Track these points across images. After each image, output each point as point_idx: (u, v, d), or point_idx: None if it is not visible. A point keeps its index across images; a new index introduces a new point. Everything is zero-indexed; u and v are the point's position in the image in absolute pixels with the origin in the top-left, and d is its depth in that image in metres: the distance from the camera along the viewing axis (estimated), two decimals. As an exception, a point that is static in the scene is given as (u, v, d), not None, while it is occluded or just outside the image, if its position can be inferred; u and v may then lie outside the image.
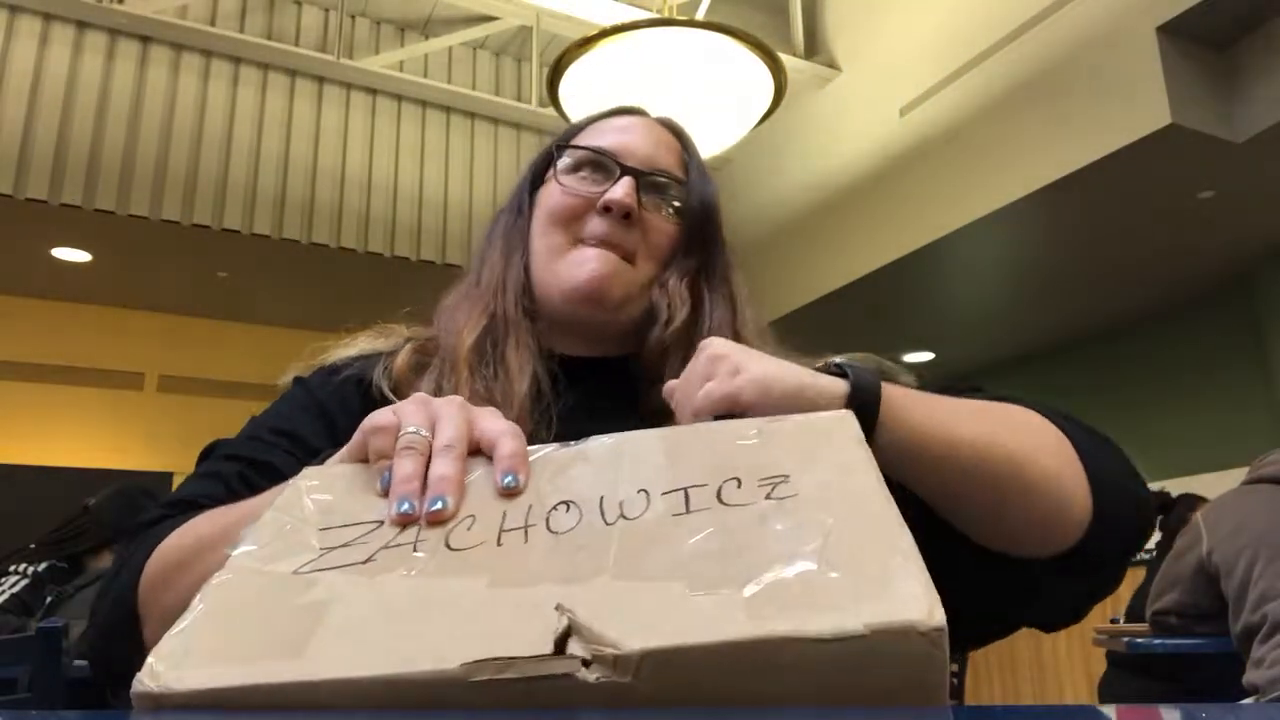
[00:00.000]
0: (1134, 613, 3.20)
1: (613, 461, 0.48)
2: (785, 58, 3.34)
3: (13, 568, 2.43)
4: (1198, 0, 3.21)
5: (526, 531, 0.43)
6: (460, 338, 0.77)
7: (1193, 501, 3.23)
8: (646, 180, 0.78)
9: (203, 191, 4.31)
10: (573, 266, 0.76)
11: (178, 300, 5.33)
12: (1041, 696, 5.37)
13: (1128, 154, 3.42)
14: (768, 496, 0.42)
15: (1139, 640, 2.27)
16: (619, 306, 0.77)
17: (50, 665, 1.48)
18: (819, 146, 4.85)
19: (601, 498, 0.44)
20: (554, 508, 0.44)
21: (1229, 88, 3.46)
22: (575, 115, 3.24)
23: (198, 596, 0.40)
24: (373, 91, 4.78)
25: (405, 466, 0.46)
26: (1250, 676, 1.84)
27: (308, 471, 0.51)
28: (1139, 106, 3.34)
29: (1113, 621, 3.36)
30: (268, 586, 0.41)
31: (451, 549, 0.42)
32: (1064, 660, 5.37)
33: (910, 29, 4.39)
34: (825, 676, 0.33)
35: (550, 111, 3.69)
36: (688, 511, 0.42)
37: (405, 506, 0.44)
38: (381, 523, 0.44)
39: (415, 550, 0.42)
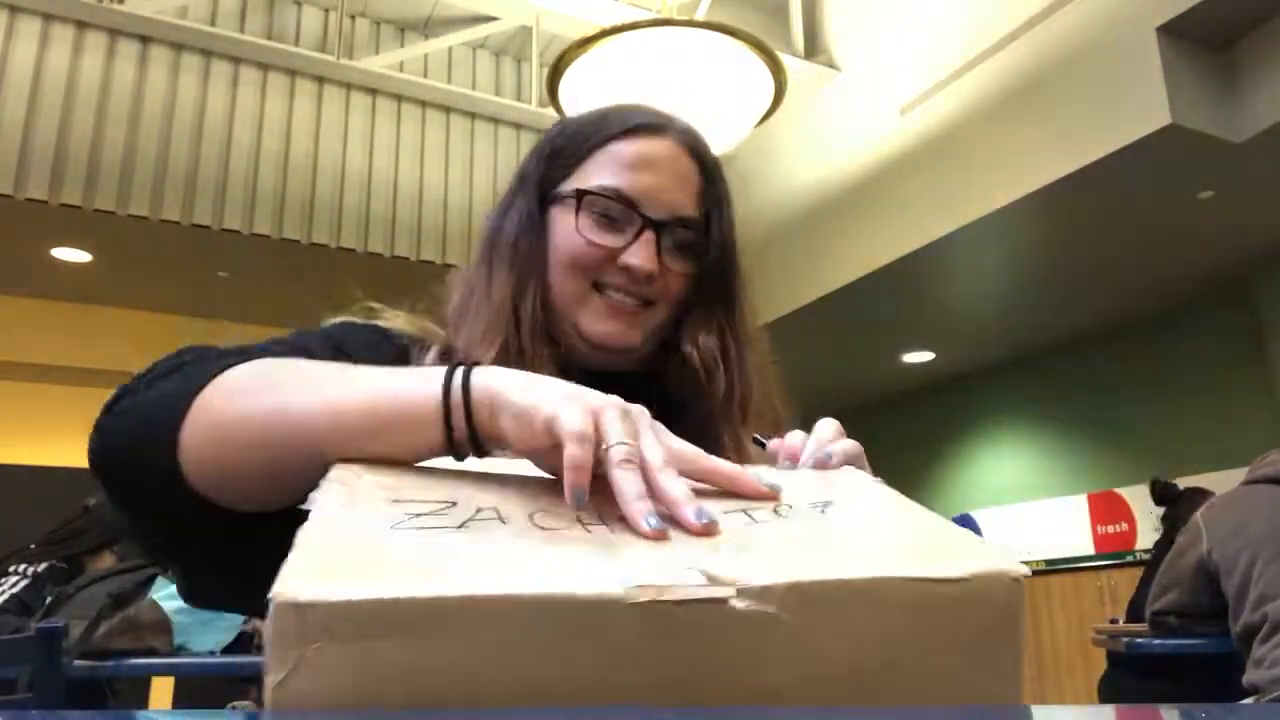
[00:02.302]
0: (1134, 613, 3.20)
1: None
2: (785, 58, 3.34)
3: (13, 568, 2.43)
4: (1198, 0, 3.21)
5: (609, 526, 0.43)
6: (475, 358, 0.74)
7: (1198, 497, 3.23)
8: (668, 234, 0.77)
9: (203, 191, 4.31)
10: (595, 319, 0.77)
11: (178, 300, 5.32)
12: (1041, 697, 5.37)
13: (1128, 154, 3.42)
14: (822, 513, 0.47)
15: (1139, 640, 2.27)
16: (640, 349, 0.79)
17: (50, 665, 1.48)
18: (819, 146, 4.85)
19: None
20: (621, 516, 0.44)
21: (1229, 88, 3.46)
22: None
23: (299, 534, 0.38)
24: (373, 91, 4.78)
25: (632, 484, 0.44)
26: (1250, 676, 1.84)
27: (347, 465, 0.49)
28: (1139, 106, 3.34)
29: (1112, 621, 3.37)
30: (372, 530, 0.39)
31: (540, 527, 0.42)
32: (1064, 660, 5.37)
33: (910, 29, 4.39)
34: (930, 615, 0.38)
35: (550, 111, 3.69)
36: (756, 522, 0.46)
37: (654, 522, 0.42)
38: (454, 503, 0.44)
39: (503, 522, 0.42)
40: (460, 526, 0.41)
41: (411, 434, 0.50)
